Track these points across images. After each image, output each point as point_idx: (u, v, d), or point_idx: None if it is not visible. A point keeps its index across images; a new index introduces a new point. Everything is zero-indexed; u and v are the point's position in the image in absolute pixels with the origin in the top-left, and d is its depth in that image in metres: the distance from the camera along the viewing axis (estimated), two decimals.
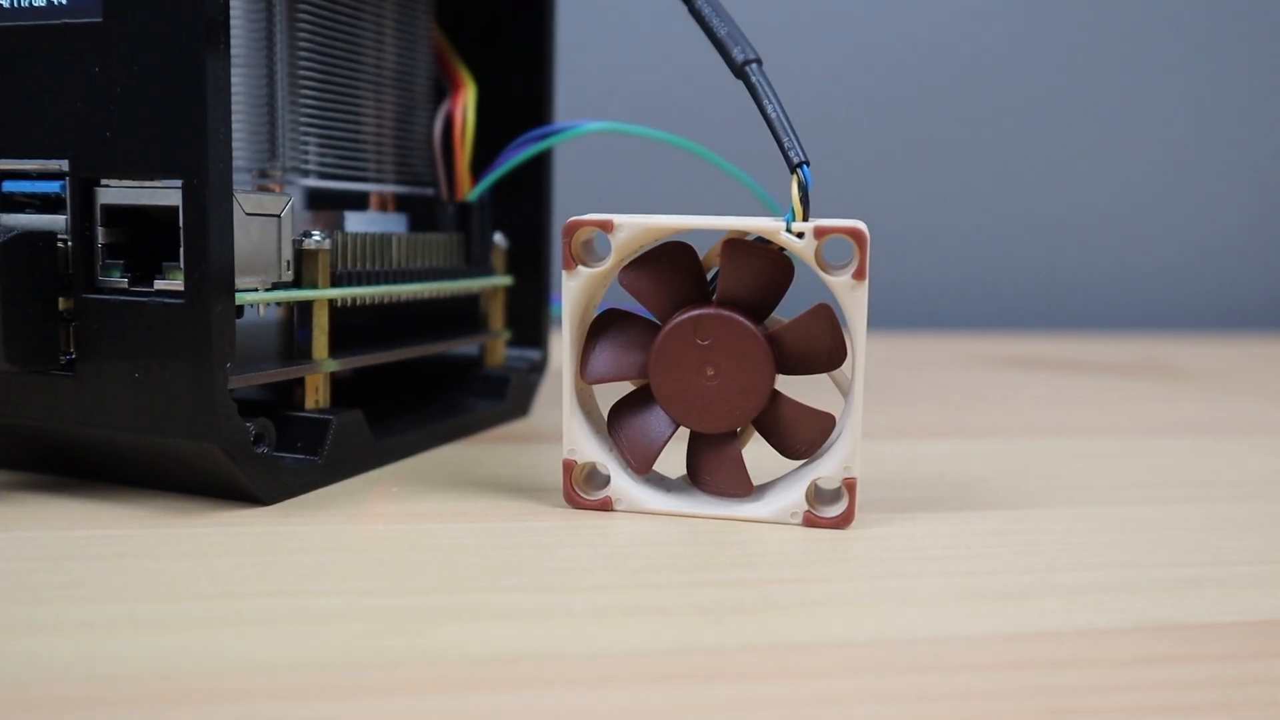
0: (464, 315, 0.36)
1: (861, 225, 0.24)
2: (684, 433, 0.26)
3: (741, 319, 0.24)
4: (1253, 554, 0.24)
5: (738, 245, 0.25)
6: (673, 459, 0.26)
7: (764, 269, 0.25)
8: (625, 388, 0.26)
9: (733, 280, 0.25)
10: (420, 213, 0.35)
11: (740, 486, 0.26)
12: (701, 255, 0.25)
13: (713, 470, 0.26)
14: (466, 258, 0.35)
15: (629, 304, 0.26)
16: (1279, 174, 0.82)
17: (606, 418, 0.26)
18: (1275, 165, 0.82)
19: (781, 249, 0.25)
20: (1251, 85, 0.81)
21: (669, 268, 0.25)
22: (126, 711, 0.15)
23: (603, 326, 0.26)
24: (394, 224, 0.34)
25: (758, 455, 0.26)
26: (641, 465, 0.26)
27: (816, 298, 0.24)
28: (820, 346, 0.25)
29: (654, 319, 0.26)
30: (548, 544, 0.24)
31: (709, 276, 0.25)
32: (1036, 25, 0.77)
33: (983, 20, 0.76)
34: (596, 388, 0.27)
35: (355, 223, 0.32)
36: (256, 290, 0.26)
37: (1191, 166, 0.81)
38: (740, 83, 0.25)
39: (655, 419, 0.26)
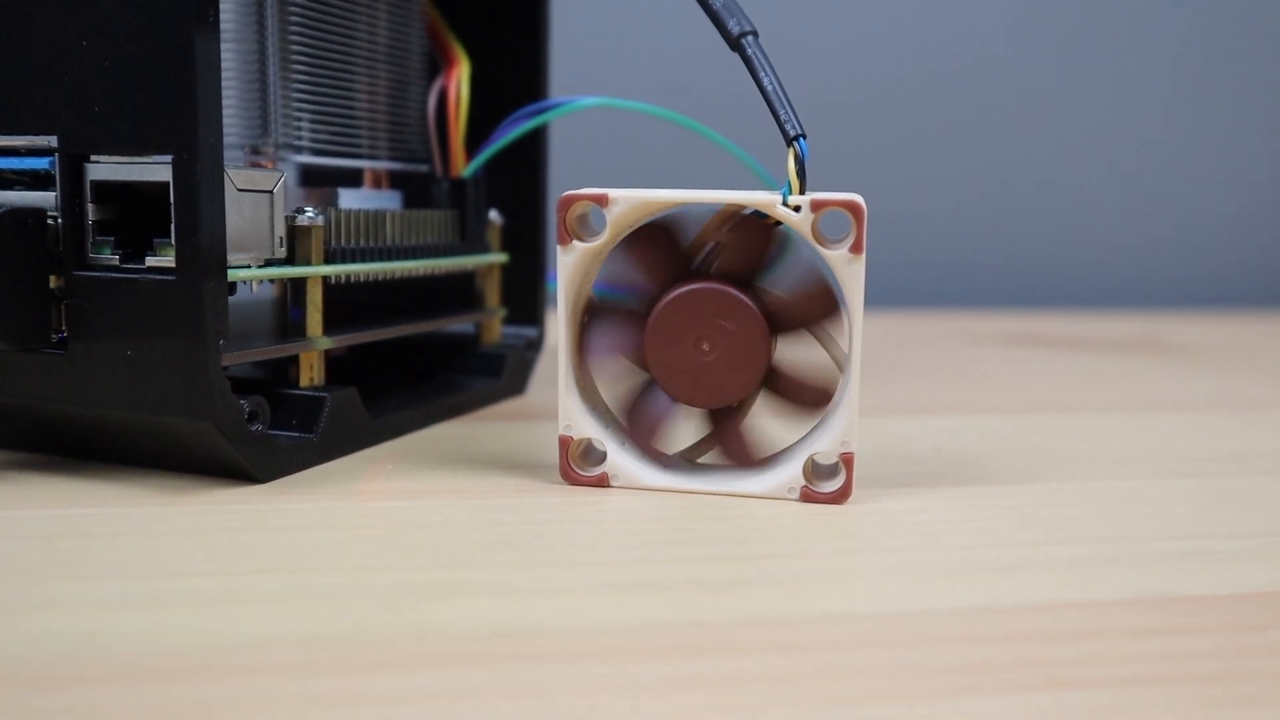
0: (459, 292, 0.36)
1: (858, 198, 0.24)
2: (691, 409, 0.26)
3: (733, 290, 0.24)
4: (1251, 528, 0.24)
5: (733, 219, 0.25)
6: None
7: (758, 240, 0.25)
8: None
9: (728, 254, 0.25)
10: (415, 189, 0.35)
11: (744, 459, 0.26)
12: (696, 231, 0.25)
13: (719, 444, 0.26)
14: (461, 234, 0.35)
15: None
16: (1277, 150, 0.82)
17: (610, 400, 0.26)
18: (1274, 141, 0.82)
19: (777, 222, 0.24)
20: (1252, 60, 0.80)
21: (652, 247, 0.25)
22: (122, 689, 0.15)
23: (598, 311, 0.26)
24: (388, 201, 0.34)
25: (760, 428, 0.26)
26: (643, 440, 0.26)
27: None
28: (811, 300, 0.25)
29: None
30: (544, 520, 0.23)
31: (705, 251, 0.25)
32: (1035, 1, 0.77)
33: None
34: (605, 385, 0.27)
35: (349, 199, 0.32)
36: (249, 267, 0.25)
37: (1190, 144, 0.80)
38: (736, 56, 0.25)
39: (657, 396, 0.26)
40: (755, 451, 0.26)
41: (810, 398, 0.25)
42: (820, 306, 0.25)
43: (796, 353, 0.25)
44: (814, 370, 0.25)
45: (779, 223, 0.24)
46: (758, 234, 0.25)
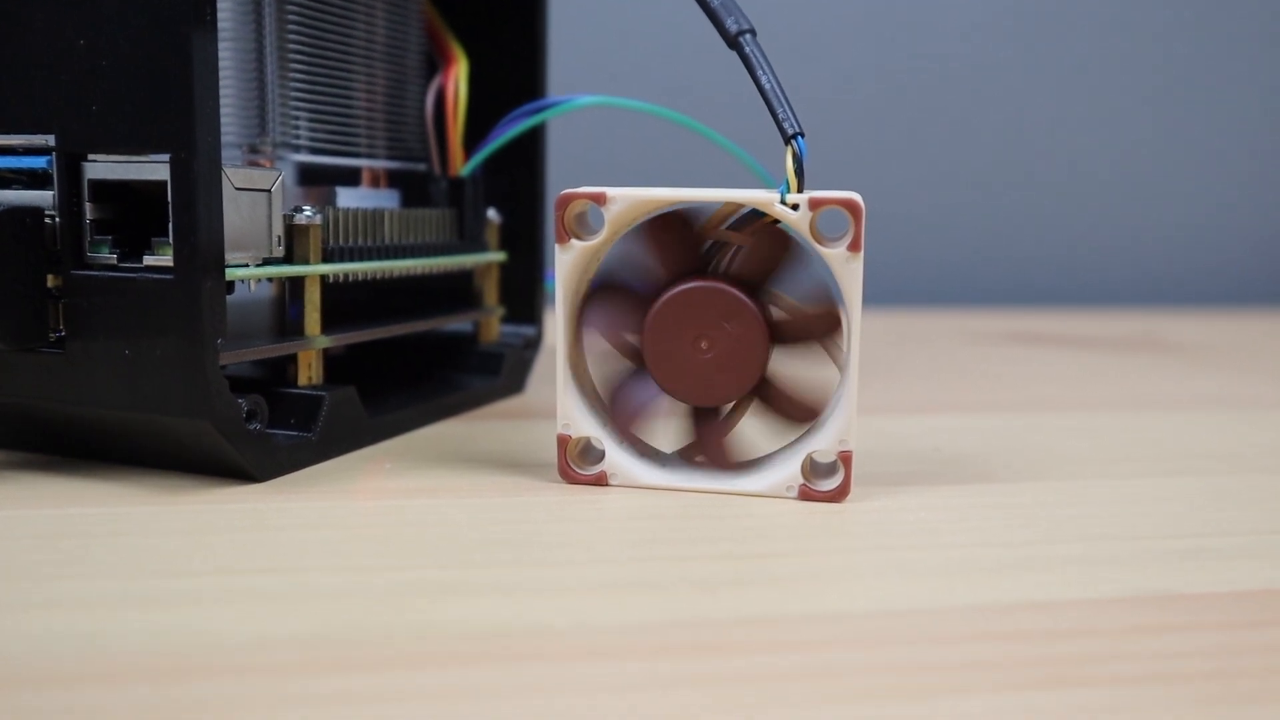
0: (457, 291, 0.36)
1: (856, 197, 0.24)
2: (679, 408, 0.26)
3: (742, 296, 0.24)
4: (1250, 526, 0.24)
5: (762, 229, 0.25)
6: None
7: (774, 249, 0.24)
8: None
9: (744, 260, 0.25)
10: (413, 188, 0.35)
11: (721, 460, 0.25)
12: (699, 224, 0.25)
13: (702, 444, 0.26)
14: (459, 233, 0.35)
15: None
16: (1275, 149, 0.82)
17: (601, 390, 0.26)
18: (1273, 139, 0.82)
19: (776, 221, 0.24)
20: (1251, 58, 0.80)
21: (669, 235, 0.25)
22: (121, 688, 0.15)
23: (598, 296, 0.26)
24: (386, 199, 0.34)
25: (754, 429, 0.26)
26: (623, 424, 0.26)
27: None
28: (816, 319, 0.25)
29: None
30: (543, 519, 0.23)
31: (705, 247, 0.25)
32: (1035, 1, 0.77)
33: None
34: (594, 362, 0.27)
35: (347, 198, 0.32)
36: (247, 266, 0.25)
37: (1189, 143, 0.80)
38: (735, 54, 0.25)
39: (644, 382, 0.25)
40: (733, 454, 0.26)
41: (799, 413, 0.25)
42: (823, 325, 0.25)
43: (791, 366, 0.25)
44: (806, 385, 0.25)
45: (776, 222, 0.24)
46: (774, 243, 0.25)
